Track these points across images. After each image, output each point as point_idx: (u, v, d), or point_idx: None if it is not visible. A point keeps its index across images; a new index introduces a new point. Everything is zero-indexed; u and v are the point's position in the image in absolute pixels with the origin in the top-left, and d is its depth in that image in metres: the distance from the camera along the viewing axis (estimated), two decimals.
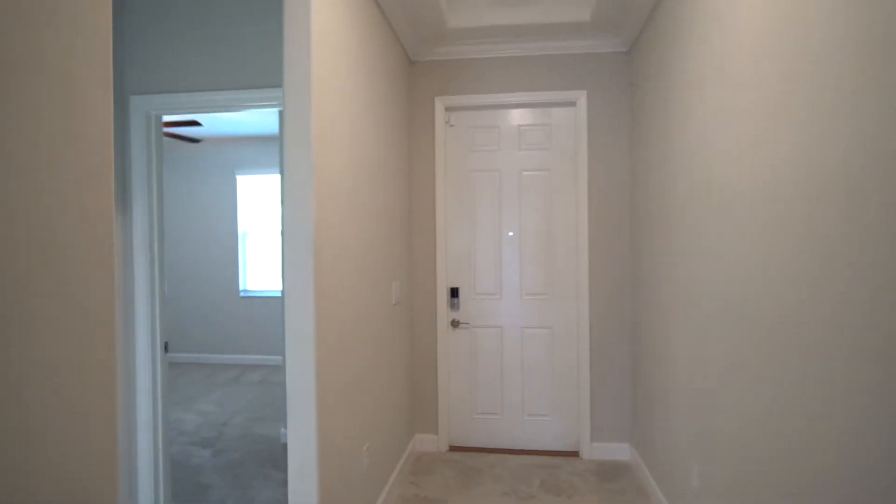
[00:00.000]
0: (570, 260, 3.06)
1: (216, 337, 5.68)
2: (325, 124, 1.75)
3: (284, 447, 3.28)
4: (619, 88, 2.98)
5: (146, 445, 2.28)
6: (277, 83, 2.22)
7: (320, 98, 1.71)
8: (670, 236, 2.23)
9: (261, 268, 5.75)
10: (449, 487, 2.67)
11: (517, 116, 3.10)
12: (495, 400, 3.14)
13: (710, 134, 1.78)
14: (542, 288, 3.09)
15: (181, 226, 5.74)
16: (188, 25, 2.29)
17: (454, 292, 3.15)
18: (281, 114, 2.95)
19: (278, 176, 5.23)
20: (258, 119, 4.92)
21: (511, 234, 3.12)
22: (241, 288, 5.68)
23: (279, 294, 5.45)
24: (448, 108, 3.12)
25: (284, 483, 2.78)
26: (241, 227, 5.72)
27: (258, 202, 5.71)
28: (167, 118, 4.28)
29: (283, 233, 1.66)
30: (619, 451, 2.99)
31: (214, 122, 4.96)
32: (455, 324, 3.14)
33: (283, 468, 2.97)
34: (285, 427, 1.65)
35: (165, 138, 5.25)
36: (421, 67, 3.13)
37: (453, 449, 3.16)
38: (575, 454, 3.04)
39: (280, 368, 5.30)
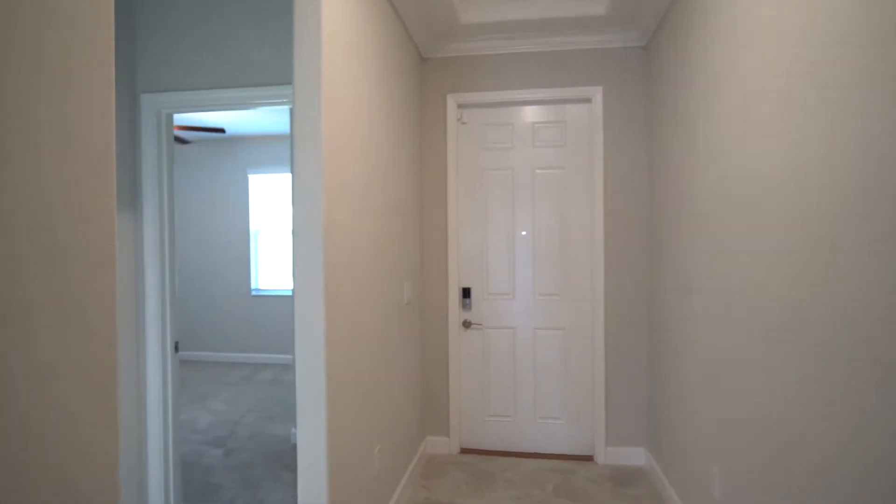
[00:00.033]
0: (585, 259, 3.00)
1: (228, 335, 5.71)
2: (335, 122, 1.72)
3: (295, 448, 3.26)
4: (636, 84, 2.90)
5: (156, 445, 2.27)
6: (288, 80, 2.20)
7: (331, 96, 1.68)
8: (693, 236, 2.16)
9: (273, 267, 5.76)
10: (460, 491, 2.63)
11: (531, 113, 3.05)
12: (508, 402, 3.09)
13: (735, 131, 1.71)
14: (555, 288, 3.03)
15: (193, 224, 5.77)
16: (198, 23, 2.27)
17: (466, 292, 3.11)
18: (291, 112, 2.93)
19: (290, 175, 5.23)
20: (270, 118, 4.93)
21: (524, 233, 3.06)
22: (252, 287, 5.70)
23: (291, 293, 5.46)
24: (460, 106, 3.08)
25: (295, 485, 2.76)
26: (253, 225, 5.74)
27: (270, 201, 5.73)
28: (191, 123, 4.30)
29: (293, 232, 1.64)
30: (635, 456, 2.92)
31: (226, 121, 4.97)
32: (467, 324, 3.10)
33: (294, 469, 2.96)
34: (296, 427, 1.63)
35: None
36: (433, 64, 3.09)
37: (465, 451, 3.12)
38: (589, 458, 2.99)
39: (291, 367, 5.30)
